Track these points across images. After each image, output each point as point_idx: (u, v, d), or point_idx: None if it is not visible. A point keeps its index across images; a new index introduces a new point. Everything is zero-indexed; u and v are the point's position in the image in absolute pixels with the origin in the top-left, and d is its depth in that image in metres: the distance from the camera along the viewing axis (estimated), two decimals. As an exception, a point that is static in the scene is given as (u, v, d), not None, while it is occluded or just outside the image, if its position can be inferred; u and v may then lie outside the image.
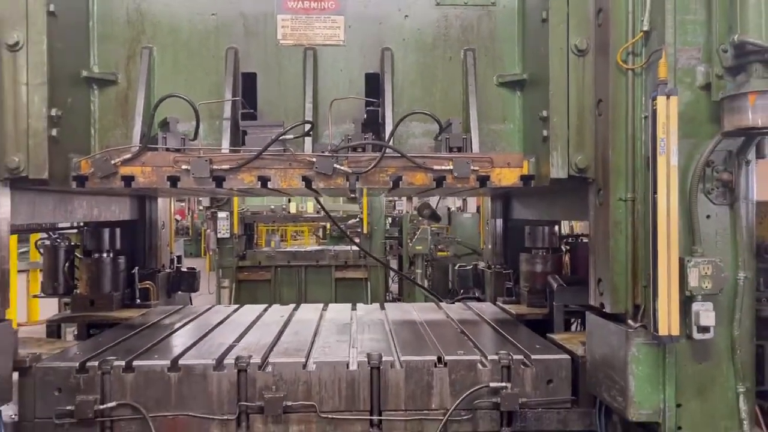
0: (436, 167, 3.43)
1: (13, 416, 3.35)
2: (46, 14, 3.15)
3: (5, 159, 3.12)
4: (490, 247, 6.00)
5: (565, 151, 3.27)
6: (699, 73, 2.87)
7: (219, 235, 13.40)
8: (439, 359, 3.48)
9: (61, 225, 5.27)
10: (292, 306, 5.48)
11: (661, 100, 2.73)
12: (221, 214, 13.48)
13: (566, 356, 3.55)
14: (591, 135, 3.28)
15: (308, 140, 3.60)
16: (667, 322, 2.73)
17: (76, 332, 5.15)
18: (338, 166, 3.38)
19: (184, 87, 3.71)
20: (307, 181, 3.46)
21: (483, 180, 3.48)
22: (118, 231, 5.29)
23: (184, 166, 3.37)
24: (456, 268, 6.43)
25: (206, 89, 3.76)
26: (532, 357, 3.51)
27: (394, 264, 14.33)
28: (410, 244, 13.69)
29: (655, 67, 2.89)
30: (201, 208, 17.31)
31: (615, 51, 3.06)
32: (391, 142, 3.49)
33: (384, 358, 3.45)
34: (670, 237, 2.72)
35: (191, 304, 6.15)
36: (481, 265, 6.16)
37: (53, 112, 3.18)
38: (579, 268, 5.15)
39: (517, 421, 3.40)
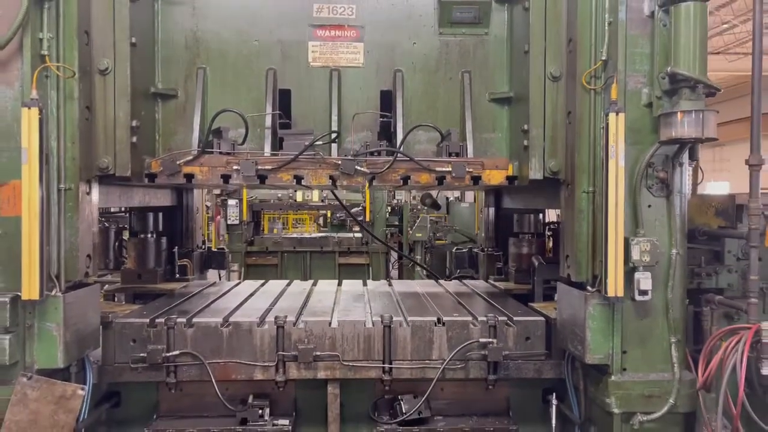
0: (438, 169, 4.23)
1: (97, 361, 4.17)
2: (129, 45, 3.93)
3: (97, 160, 3.90)
4: (483, 233, 6.82)
5: (542, 158, 4.07)
6: (644, 95, 3.68)
7: (228, 222, 14.04)
8: (439, 320, 4.30)
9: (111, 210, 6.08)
10: (311, 282, 6.31)
11: (612, 116, 3.53)
12: (231, 202, 14.04)
13: (542, 318, 4.38)
14: (562, 144, 4.07)
15: (334, 146, 4.37)
16: (614, 286, 3.55)
17: (123, 300, 5.97)
18: (359, 167, 4.17)
19: (232, 101, 4.44)
20: (333, 179, 4.23)
21: (476, 179, 4.29)
22: (160, 215, 6.10)
23: (234, 167, 4.13)
24: (453, 251, 7.25)
25: (249, 102, 4.47)
26: (515, 319, 4.33)
27: (394, 252, 15.06)
28: (410, 232, 14.31)
29: (610, 89, 3.70)
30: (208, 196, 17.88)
31: (581, 74, 3.86)
32: (401, 149, 4.27)
33: (394, 319, 4.26)
34: (617, 221, 3.53)
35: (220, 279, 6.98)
36: (476, 248, 6.98)
37: (134, 123, 3.96)
38: (558, 248, 5.98)
39: (501, 370, 4.21)
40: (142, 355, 4.08)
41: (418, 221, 14.22)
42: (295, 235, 16.25)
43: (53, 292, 3.56)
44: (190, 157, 4.15)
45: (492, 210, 6.61)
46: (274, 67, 4.50)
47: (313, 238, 14.74)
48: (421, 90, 4.58)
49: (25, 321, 3.53)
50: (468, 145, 4.38)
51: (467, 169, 4.23)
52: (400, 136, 4.35)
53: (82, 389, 3.58)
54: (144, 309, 4.67)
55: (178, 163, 4.14)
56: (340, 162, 4.18)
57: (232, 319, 4.26)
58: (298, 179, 4.22)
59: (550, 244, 6.12)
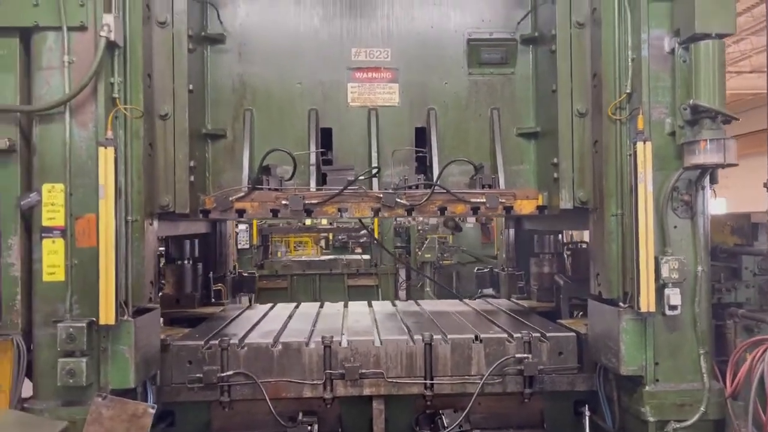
0: (473, 200, 4.54)
1: (155, 382, 4.40)
2: (187, 92, 4.24)
3: (159, 199, 4.20)
4: (504, 254, 7.10)
5: (571, 189, 4.37)
6: (667, 124, 3.99)
7: (239, 246, 14.24)
8: (476, 337, 4.55)
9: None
10: (341, 303, 6.57)
11: (640, 144, 3.84)
12: (241, 227, 14.25)
13: (573, 334, 4.64)
14: (589, 174, 4.37)
15: (374, 180, 4.65)
16: (647, 302, 3.82)
17: (162, 325, 6.20)
18: (399, 200, 4.48)
19: (277, 139, 4.73)
20: (375, 211, 4.53)
21: (508, 209, 4.59)
22: (196, 242, 6.37)
23: (283, 201, 4.42)
24: (475, 271, 7.52)
25: (293, 140, 4.75)
26: (548, 335, 4.59)
27: (402, 272, 15.28)
28: (419, 253, 14.53)
29: (636, 119, 4.00)
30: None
31: (606, 105, 4.17)
32: (438, 182, 4.56)
33: (434, 337, 4.52)
34: (648, 241, 3.82)
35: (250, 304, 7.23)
36: (496, 268, 7.26)
37: (191, 163, 4.27)
38: (579, 268, 6.25)
39: (536, 383, 4.46)
40: (198, 375, 4.31)
41: (426, 242, 14.44)
42: (304, 258, 16.46)
43: (124, 317, 3.81)
44: (242, 194, 4.43)
45: (512, 231, 6.89)
46: (316, 107, 4.80)
47: (321, 260, 14.92)
48: (453, 126, 4.88)
49: (99, 344, 3.79)
50: (499, 177, 4.68)
51: (500, 200, 4.53)
52: (435, 170, 4.64)
53: (152, 407, 3.82)
54: (195, 332, 4.91)
55: (230, 199, 4.43)
56: (381, 195, 4.47)
57: (282, 340, 4.52)
58: (342, 211, 4.51)
59: (569, 263, 6.40)
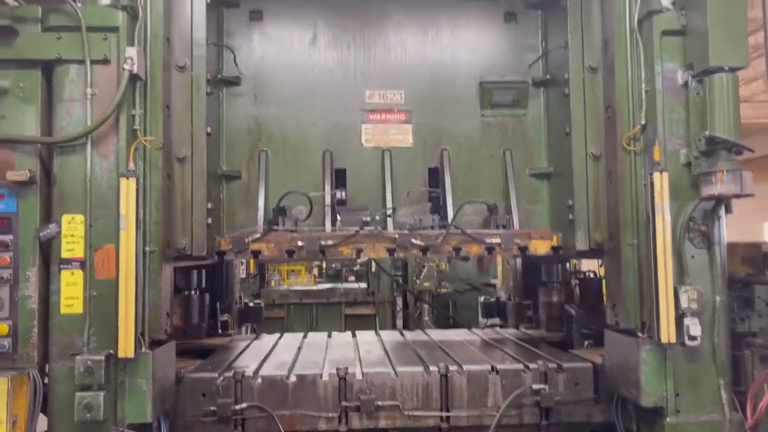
0: (488, 240, 4.58)
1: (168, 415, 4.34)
2: (205, 135, 4.28)
3: (175, 241, 4.21)
4: (510, 283, 7.10)
5: (586, 231, 4.44)
6: (682, 155, 4.04)
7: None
8: (493, 368, 4.53)
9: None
10: (349, 333, 6.53)
11: (656, 175, 3.88)
12: (239, 257, 14.18)
13: (589, 364, 4.62)
14: (604, 215, 4.43)
15: (389, 219, 4.69)
16: (667, 332, 3.83)
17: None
18: (414, 241, 4.51)
19: (291, 180, 4.79)
20: (390, 251, 4.55)
21: (523, 249, 4.63)
22: (203, 272, 6.33)
23: (299, 243, 4.44)
24: (481, 300, 7.51)
25: (307, 181, 4.80)
26: (564, 365, 4.57)
27: (399, 300, 15.21)
28: (417, 282, 14.48)
29: (651, 150, 4.05)
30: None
31: (620, 136, 4.23)
32: (453, 223, 4.60)
33: (450, 368, 4.49)
34: (667, 272, 3.84)
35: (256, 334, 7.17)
36: (502, 297, 7.25)
37: (209, 205, 4.29)
38: (588, 297, 6.26)
39: (553, 415, 4.43)
40: (212, 408, 4.25)
41: (425, 271, 14.37)
42: (300, 287, 16.36)
43: (142, 350, 3.77)
44: (258, 235, 4.45)
45: (519, 260, 6.90)
46: (331, 148, 4.85)
47: (319, 289, 14.82)
48: (465, 166, 4.95)
49: (116, 378, 3.74)
50: (513, 217, 4.72)
51: (515, 241, 4.57)
52: (449, 210, 4.69)
53: (169, 442, 3.77)
54: (207, 364, 4.86)
55: (247, 240, 4.43)
56: (397, 236, 4.50)
57: (295, 372, 4.47)
58: (358, 252, 4.52)
59: (577, 292, 6.41)
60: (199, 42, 4.28)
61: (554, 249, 4.64)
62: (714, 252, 4.04)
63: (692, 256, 4.03)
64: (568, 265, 6.59)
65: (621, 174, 4.24)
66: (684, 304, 3.87)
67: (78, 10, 3.76)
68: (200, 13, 4.31)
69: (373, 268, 14.28)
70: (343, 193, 4.85)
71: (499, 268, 8.21)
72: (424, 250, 4.55)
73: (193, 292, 6.17)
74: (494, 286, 13.56)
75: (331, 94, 4.89)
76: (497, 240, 4.54)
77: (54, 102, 3.85)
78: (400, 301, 15.01)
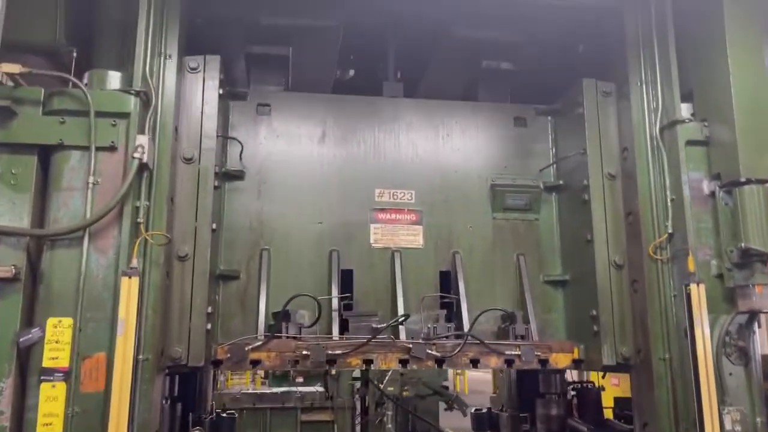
0: (507, 352, 4.24)
1: None
2: (210, 231, 3.95)
3: (169, 350, 3.73)
4: (505, 394, 6.72)
5: (613, 345, 4.18)
6: (713, 266, 3.92)
7: (186, 379, 13.28)
8: None
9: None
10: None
11: (693, 287, 3.73)
12: (189, 363, 13.39)
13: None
14: (630, 326, 4.22)
15: (401, 327, 4.27)
16: (715, 457, 3.55)
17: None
18: (430, 351, 4.13)
19: (294, 281, 4.39)
20: (403, 362, 4.13)
21: (543, 362, 4.32)
22: (177, 378, 5.75)
23: (304, 352, 3.97)
24: (472, 411, 7.07)
25: (312, 282, 4.41)
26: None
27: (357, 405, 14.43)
28: (381, 385, 13.84)
29: (680, 259, 3.92)
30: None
31: (646, 245, 4.10)
32: (470, 332, 4.27)
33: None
34: (710, 390, 3.60)
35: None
36: (495, 409, 6.84)
37: (209, 309, 3.88)
38: (585, 410, 5.96)
39: None
40: None
41: (390, 373, 13.81)
42: (254, 391, 15.47)
43: (129, 479, 3.23)
44: (259, 343, 4.00)
45: (514, 371, 6.57)
46: (337, 248, 4.54)
47: (273, 393, 14.07)
48: (478, 270, 4.69)
49: None
50: (532, 326, 4.46)
51: (535, 353, 4.28)
52: (464, 317, 4.38)
53: None
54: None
55: (246, 349, 3.99)
56: (411, 346, 4.12)
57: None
58: (368, 363, 4.12)
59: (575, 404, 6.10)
60: (209, 134, 4.02)
61: (575, 362, 4.36)
62: (751, 369, 3.85)
63: (730, 373, 3.82)
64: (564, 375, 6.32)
65: (648, 284, 4.07)
66: (728, 426, 3.63)
67: (87, 93, 3.47)
68: (212, 104, 4.07)
69: (333, 371, 13.67)
70: (350, 297, 4.48)
71: (490, 376, 7.78)
72: (440, 361, 4.18)
73: (164, 402, 5.57)
74: (447, 388, 13.10)
75: (339, 191, 4.64)
76: (517, 352, 4.23)
77: (49, 190, 3.48)
78: (358, 407, 14.29)
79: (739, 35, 3.97)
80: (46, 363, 3.26)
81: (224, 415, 6.52)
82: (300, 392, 13.63)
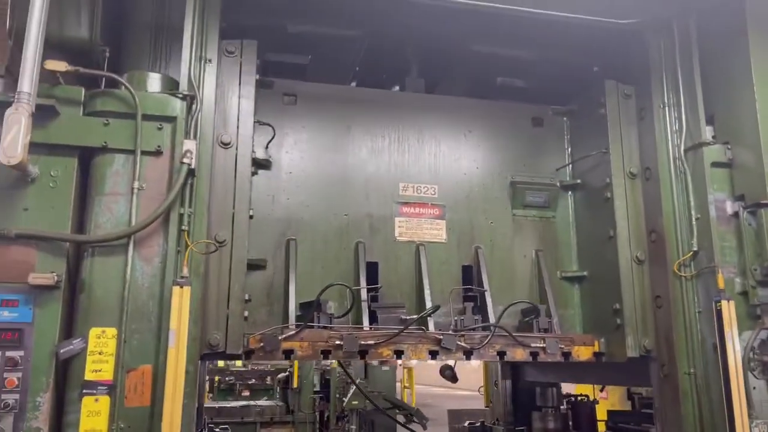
0: (533, 344, 4.31)
1: None
2: (248, 218, 3.86)
3: (207, 336, 3.59)
4: (500, 407, 6.76)
5: (636, 337, 4.30)
6: (737, 284, 4.07)
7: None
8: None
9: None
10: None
11: (724, 303, 3.86)
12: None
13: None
14: (652, 322, 4.35)
15: (429, 319, 4.27)
16: (747, 470, 3.66)
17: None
18: (459, 343, 4.17)
19: (320, 272, 4.38)
20: (433, 353, 4.16)
21: (566, 355, 4.39)
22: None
23: (337, 342, 3.96)
24: (466, 425, 7.08)
25: (337, 273, 4.40)
26: None
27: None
28: (345, 400, 13.65)
29: (705, 277, 4.06)
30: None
31: (670, 262, 4.22)
32: (498, 323, 4.33)
33: None
34: (741, 405, 3.72)
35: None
36: (488, 423, 6.87)
37: (246, 296, 3.78)
38: (579, 423, 6.07)
39: None
40: None
41: (354, 389, 13.64)
42: (211, 405, 15.04)
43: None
44: (292, 332, 3.93)
45: (509, 383, 6.63)
46: (363, 240, 4.53)
47: (233, 407, 13.74)
48: (499, 265, 4.77)
49: None
50: (554, 320, 4.54)
51: (559, 345, 4.35)
52: (489, 311, 4.44)
53: None
54: None
55: (280, 338, 3.91)
56: (441, 337, 4.14)
57: None
58: (399, 354, 4.11)
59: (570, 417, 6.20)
60: (245, 119, 3.93)
61: (596, 355, 4.44)
62: (772, 383, 4.00)
63: (754, 387, 3.96)
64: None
65: (673, 299, 4.19)
66: (757, 439, 3.75)
67: (135, 95, 3.33)
68: (249, 88, 4.00)
69: (295, 384, 13.43)
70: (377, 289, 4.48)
71: (482, 387, 7.81)
72: (468, 353, 4.19)
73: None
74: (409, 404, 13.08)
75: (365, 184, 4.63)
76: (542, 344, 4.29)
77: (91, 195, 3.32)
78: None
79: (764, 59, 4.14)
80: (89, 376, 3.09)
81: (217, 430, 6.36)
82: (260, 406, 13.35)
